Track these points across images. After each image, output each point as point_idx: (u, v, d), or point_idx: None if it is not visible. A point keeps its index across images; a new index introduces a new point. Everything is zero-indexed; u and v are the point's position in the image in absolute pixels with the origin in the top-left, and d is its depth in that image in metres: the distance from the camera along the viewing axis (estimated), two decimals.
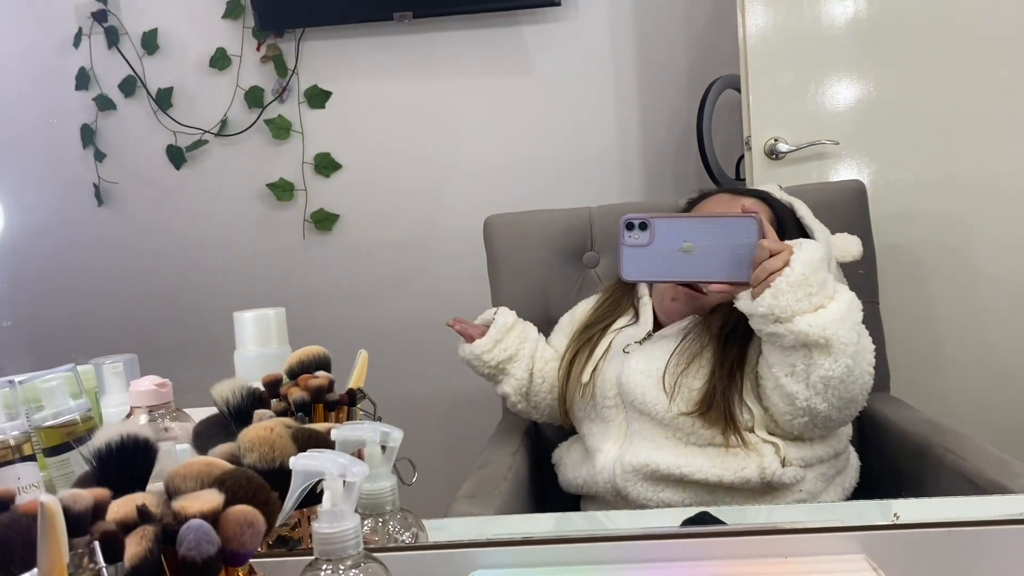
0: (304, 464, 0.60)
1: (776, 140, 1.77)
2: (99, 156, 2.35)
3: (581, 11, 2.17)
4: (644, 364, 1.22)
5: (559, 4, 2.12)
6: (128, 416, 0.84)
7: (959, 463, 1.13)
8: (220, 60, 2.28)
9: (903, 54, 1.74)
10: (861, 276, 1.50)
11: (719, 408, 1.15)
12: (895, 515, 0.56)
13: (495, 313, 1.39)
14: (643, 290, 1.35)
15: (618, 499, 1.21)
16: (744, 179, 1.91)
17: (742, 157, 2.00)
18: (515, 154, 2.23)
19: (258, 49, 2.27)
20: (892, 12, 1.73)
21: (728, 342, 1.17)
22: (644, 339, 1.28)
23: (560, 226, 1.58)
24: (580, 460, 1.30)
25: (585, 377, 1.29)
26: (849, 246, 1.34)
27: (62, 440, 0.68)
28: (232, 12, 2.26)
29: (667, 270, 1.10)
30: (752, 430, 1.16)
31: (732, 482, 1.14)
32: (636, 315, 1.34)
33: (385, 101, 2.27)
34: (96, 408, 0.76)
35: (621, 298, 1.37)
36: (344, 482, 0.59)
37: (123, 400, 0.90)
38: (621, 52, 2.18)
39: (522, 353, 1.37)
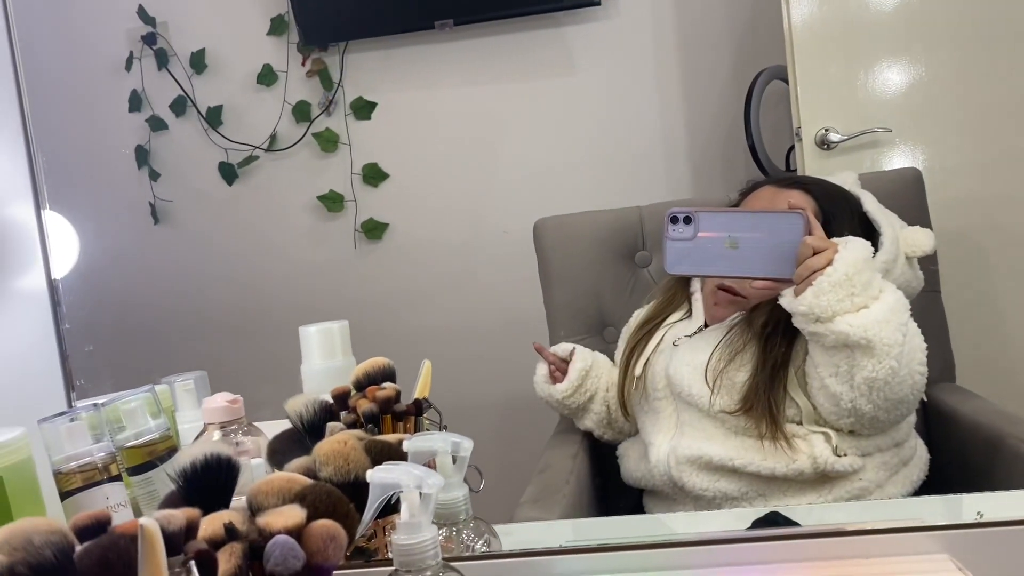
0: (381, 477, 0.61)
1: (827, 130, 1.74)
2: (154, 176, 2.41)
3: (622, 9, 2.16)
4: (690, 356, 1.23)
5: (599, 3, 2.12)
6: (202, 432, 0.87)
7: None
8: (267, 76, 2.32)
9: (953, 36, 1.70)
10: (922, 266, 1.47)
11: (762, 406, 1.14)
12: (979, 513, 0.55)
13: (572, 352, 1.40)
14: (695, 286, 1.35)
15: (676, 490, 1.22)
16: (795, 170, 1.89)
17: (791, 149, 1.98)
18: (561, 155, 2.23)
19: (303, 64, 2.30)
20: None
21: (771, 339, 1.17)
22: (694, 333, 1.28)
23: (610, 226, 1.58)
24: (640, 455, 1.31)
25: (638, 370, 1.31)
26: (920, 241, 1.30)
27: (144, 459, 0.70)
28: (276, 29, 2.30)
29: (710, 264, 1.09)
30: (800, 423, 1.15)
31: (785, 474, 1.14)
32: (690, 310, 1.34)
33: (429, 109, 2.28)
34: (174, 426, 0.79)
35: (676, 294, 1.38)
36: (420, 494, 0.60)
37: (196, 416, 0.93)
38: (664, 48, 2.17)
39: (599, 389, 1.39)
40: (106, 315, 2.30)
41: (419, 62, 2.27)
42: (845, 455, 1.13)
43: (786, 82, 1.85)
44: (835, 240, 1.06)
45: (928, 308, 1.48)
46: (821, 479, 1.14)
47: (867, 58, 1.74)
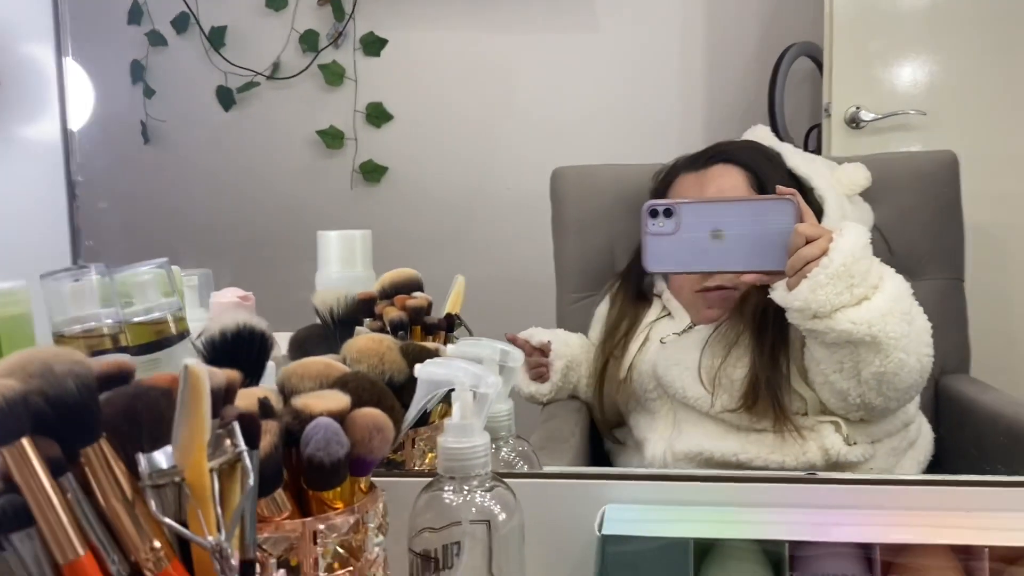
0: (431, 372, 0.54)
1: (858, 108, 1.69)
2: (148, 93, 2.30)
3: None
4: (679, 355, 1.15)
5: None
6: None
7: None
8: (276, 1, 2.22)
9: (994, 23, 1.66)
10: (949, 254, 1.43)
11: (766, 399, 1.07)
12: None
13: (548, 345, 1.32)
14: (660, 286, 1.28)
15: None
16: (815, 151, 1.84)
17: (812, 128, 1.93)
18: (575, 111, 2.16)
19: None
20: None
21: (763, 327, 1.09)
22: (683, 332, 1.21)
23: (632, 182, 1.51)
24: (632, 451, 1.25)
25: (622, 374, 1.22)
26: (855, 177, 1.24)
27: (151, 338, 0.63)
28: None
29: (695, 260, 0.99)
30: (807, 414, 1.09)
31: (795, 467, 1.07)
32: (665, 308, 1.26)
33: (443, 52, 2.20)
34: (183, 305, 0.71)
35: (640, 295, 1.29)
36: (475, 394, 0.53)
37: (198, 316, 0.85)
38: (692, 11, 2.10)
39: (581, 378, 1.32)
40: (121, 177, 2.20)
41: (437, 1, 2.18)
42: (856, 443, 1.08)
43: (814, 60, 1.80)
44: (830, 228, 0.99)
45: (950, 296, 1.44)
46: (831, 470, 1.08)
47: (905, 39, 1.69)
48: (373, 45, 2.21)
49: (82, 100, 1.00)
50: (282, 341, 0.82)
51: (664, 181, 1.28)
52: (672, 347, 1.17)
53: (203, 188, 2.30)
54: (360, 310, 0.71)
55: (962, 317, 1.46)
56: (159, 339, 0.62)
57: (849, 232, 0.96)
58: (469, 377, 0.53)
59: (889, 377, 0.98)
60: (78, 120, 0.90)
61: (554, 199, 1.55)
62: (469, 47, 2.18)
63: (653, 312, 1.27)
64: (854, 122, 1.69)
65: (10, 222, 0.77)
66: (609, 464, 1.30)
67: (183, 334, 0.64)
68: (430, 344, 0.66)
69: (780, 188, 1.04)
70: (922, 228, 1.37)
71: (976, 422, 1.29)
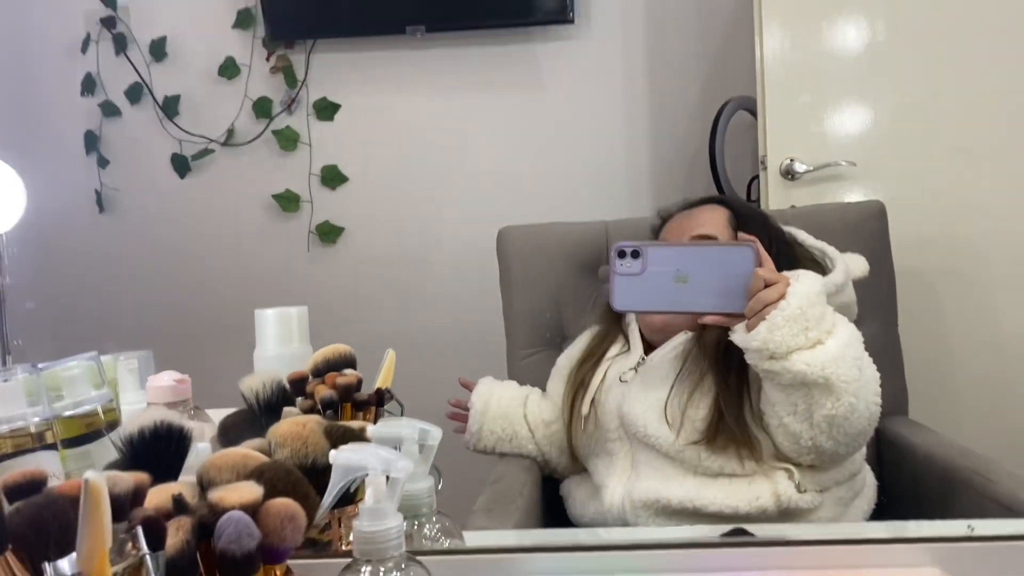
0: (346, 458, 0.57)
1: (792, 160, 1.76)
2: (102, 162, 2.32)
3: (593, 29, 2.17)
4: (644, 394, 1.18)
5: (572, 22, 2.12)
6: None
7: (990, 487, 1.10)
8: (229, 69, 2.26)
9: (920, 74, 1.74)
10: (881, 299, 1.48)
11: (728, 434, 1.11)
12: (969, 527, 0.53)
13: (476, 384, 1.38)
14: (630, 317, 1.32)
15: None
16: (757, 200, 1.90)
17: (754, 178, 1.99)
18: (523, 170, 2.21)
19: (268, 59, 2.25)
20: (908, 32, 1.73)
21: (727, 365, 1.13)
22: (638, 365, 1.24)
23: (575, 239, 1.56)
24: (589, 496, 1.26)
25: (585, 409, 1.25)
26: (858, 263, 1.29)
27: (82, 431, 0.65)
28: (243, 22, 2.25)
29: (660, 300, 1.05)
30: (762, 459, 1.13)
31: (748, 512, 1.10)
32: (627, 343, 1.30)
33: (395, 115, 2.25)
34: (117, 400, 0.73)
35: (611, 327, 1.33)
36: (388, 478, 0.56)
37: (138, 398, 0.87)
38: (633, 71, 2.17)
39: (515, 432, 1.34)
40: (52, 277, 2.20)
41: (387, 66, 2.24)
42: (806, 491, 1.11)
43: (752, 113, 1.86)
44: (786, 273, 1.04)
45: (884, 341, 1.48)
46: (781, 517, 1.11)
47: (835, 93, 1.76)
48: (326, 110, 2.26)
49: (10, 201, 1.02)
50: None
51: (660, 224, 1.33)
52: (635, 385, 1.20)
53: (159, 256, 2.31)
54: (286, 394, 0.73)
55: (898, 360, 1.51)
56: (89, 432, 0.64)
57: (805, 278, 1.02)
58: (381, 462, 0.55)
59: (840, 421, 1.02)
60: (6, 222, 0.92)
61: (501, 258, 1.59)
62: (419, 109, 2.24)
63: (615, 348, 1.30)
64: (789, 174, 1.75)
65: None
66: (565, 513, 1.32)
67: (114, 424, 0.66)
68: (355, 424, 0.68)
69: (741, 235, 1.11)
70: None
71: (913, 464, 1.33)
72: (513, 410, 1.35)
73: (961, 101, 1.72)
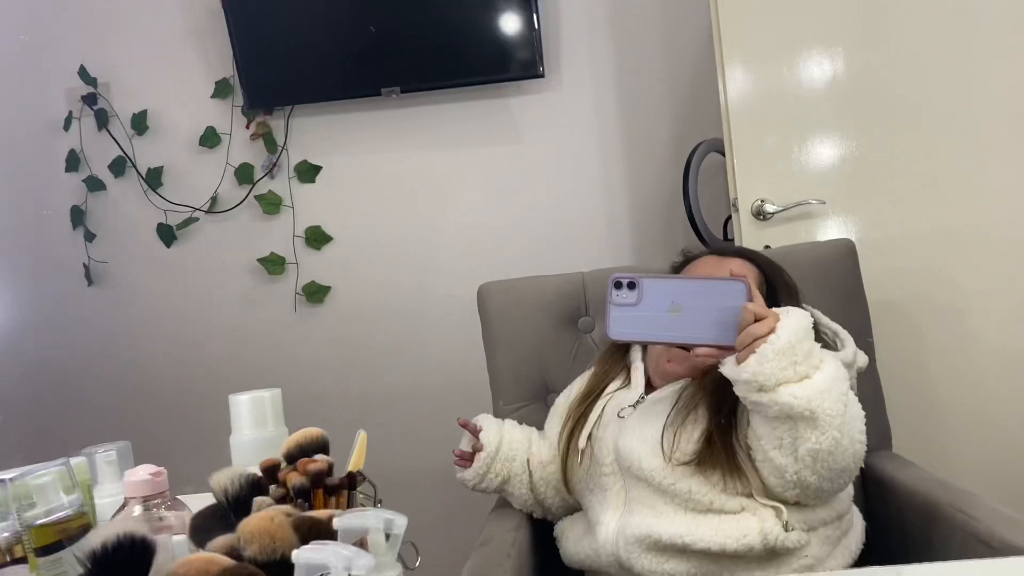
0: (308, 557, 0.58)
1: (763, 201, 1.79)
2: (89, 236, 2.35)
3: (564, 82, 2.21)
4: (640, 429, 1.20)
5: (543, 76, 2.16)
6: (123, 507, 0.82)
7: (970, 523, 1.11)
8: (210, 139, 2.30)
9: (884, 112, 1.77)
10: (857, 335, 1.50)
11: (717, 457, 1.13)
12: None
13: (478, 422, 1.39)
14: (635, 354, 1.35)
15: (622, 572, 1.18)
16: (732, 239, 1.92)
17: (728, 218, 2.02)
18: (504, 222, 2.24)
19: (247, 127, 2.30)
20: (869, 70, 1.77)
21: (722, 397, 1.15)
22: (637, 403, 1.26)
23: (554, 292, 1.58)
24: (582, 534, 1.28)
25: (582, 443, 1.27)
26: (861, 355, 1.31)
27: (54, 539, 0.66)
28: (221, 92, 2.29)
29: (654, 331, 1.08)
30: (751, 494, 1.14)
31: (736, 550, 1.11)
32: (628, 379, 1.33)
33: (374, 174, 2.29)
34: (90, 501, 0.74)
35: (614, 364, 1.37)
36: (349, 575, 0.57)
37: (117, 490, 0.88)
38: (605, 120, 2.21)
39: (515, 473, 1.37)
40: (24, 383, 2.22)
41: (364, 128, 2.28)
42: (793, 529, 1.12)
43: (723, 154, 1.90)
44: (775, 309, 1.07)
45: (863, 376, 1.49)
46: (769, 556, 1.13)
47: (800, 132, 1.79)
48: (307, 173, 2.30)
49: None
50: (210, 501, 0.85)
51: (684, 263, 1.36)
52: (632, 421, 1.23)
53: (149, 325, 2.34)
54: (257, 485, 0.75)
55: (878, 395, 1.52)
56: (62, 538, 0.66)
57: (795, 314, 1.05)
58: (342, 560, 0.57)
59: (824, 455, 1.04)
60: None
61: (482, 315, 1.61)
62: (398, 167, 2.27)
63: (615, 384, 1.33)
64: (760, 214, 1.78)
65: None
66: (558, 558, 1.32)
67: (86, 528, 0.67)
68: (323, 513, 0.70)
69: (733, 271, 1.15)
70: (829, 313, 1.44)
71: (897, 500, 1.34)
72: (520, 452, 1.37)
73: (925, 134, 1.75)
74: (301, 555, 0.59)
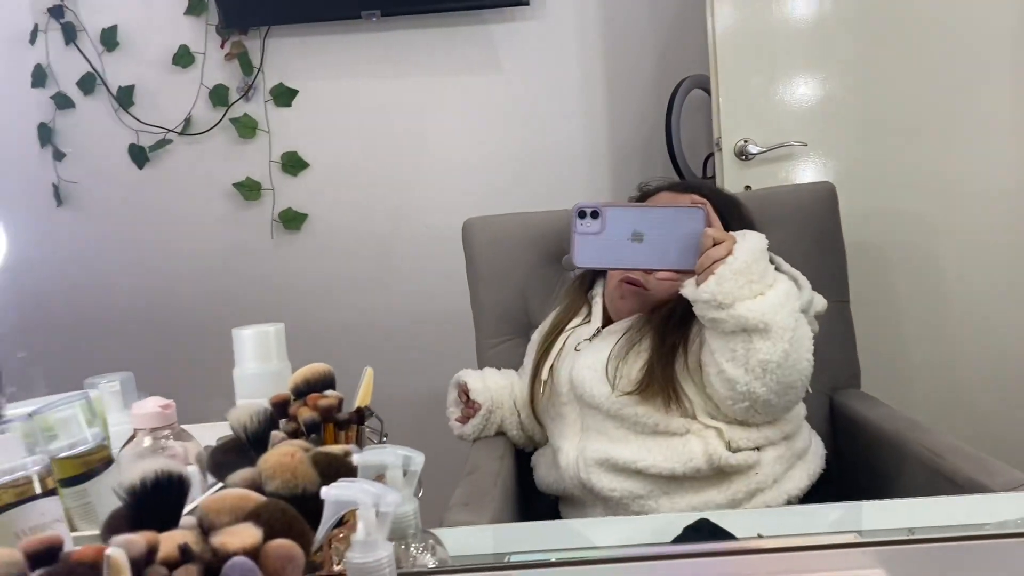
0: (337, 494, 0.60)
1: (746, 141, 1.80)
2: (58, 156, 2.29)
3: (549, 10, 2.18)
4: (591, 359, 1.27)
5: (527, 4, 2.13)
6: (132, 438, 0.84)
7: (936, 461, 1.17)
8: (183, 58, 2.24)
9: (869, 54, 1.78)
10: (832, 276, 1.54)
11: (658, 384, 1.19)
12: (910, 531, 0.58)
13: (466, 381, 1.44)
14: (597, 289, 1.39)
15: (586, 493, 1.25)
16: (713, 178, 1.94)
17: (710, 156, 2.04)
18: (484, 152, 2.23)
19: (222, 47, 2.23)
20: (859, 12, 1.77)
21: (666, 330, 1.23)
22: (594, 336, 1.31)
23: (539, 228, 1.60)
24: (551, 462, 1.34)
25: (544, 374, 1.34)
26: (818, 299, 1.34)
27: (78, 471, 0.67)
28: (195, 8, 2.22)
29: (617, 258, 1.14)
30: (694, 417, 1.20)
31: (684, 472, 1.18)
32: (590, 314, 1.37)
33: (353, 100, 2.25)
34: (107, 434, 0.76)
35: (577, 298, 1.42)
36: (377, 512, 0.60)
37: (122, 419, 0.90)
38: (589, 51, 2.19)
39: (506, 417, 1.44)
40: (34, 314, 2.19)
41: (343, 51, 2.23)
42: (739, 450, 1.18)
43: (707, 92, 1.90)
44: (732, 233, 1.12)
45: (836, 317, 1.55)
46: (719, 475, 1.19)
47: (787, 73, 1.80)
48: (283, 96, 2.25)
49: None
50: (208, 431, 0.87)
51: (641, 198, 1.40)
52: (585, 351, 1.30)
53: (122, 250, 2.30)
54: (272, 421, 0.76)
55: (850, 336, 1.58)
56: (86, 471, 0.67)
57: (751, 236, 1.13)
58: (371, 497, 0.59)
59: (773, 367, 1.10)
60: None
61: (466, 250, 1.62)
62: (377, 93, 2.24)
63: (577, 319, 1.38)
64: (743, 155, 1.80)
65: None
66: (532, 475, 1.39)
67: (108, 461, 0.69)
68: (338, 448, 0.72)
69: (693, 198, 1.21)
70: (805, 255, 1.47)
71: (866, 437, 1.41)
72: (507, 398, 1.44)
73: (908, 78, 1.77)
74: (331, 492, 0.61)
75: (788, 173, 1.81)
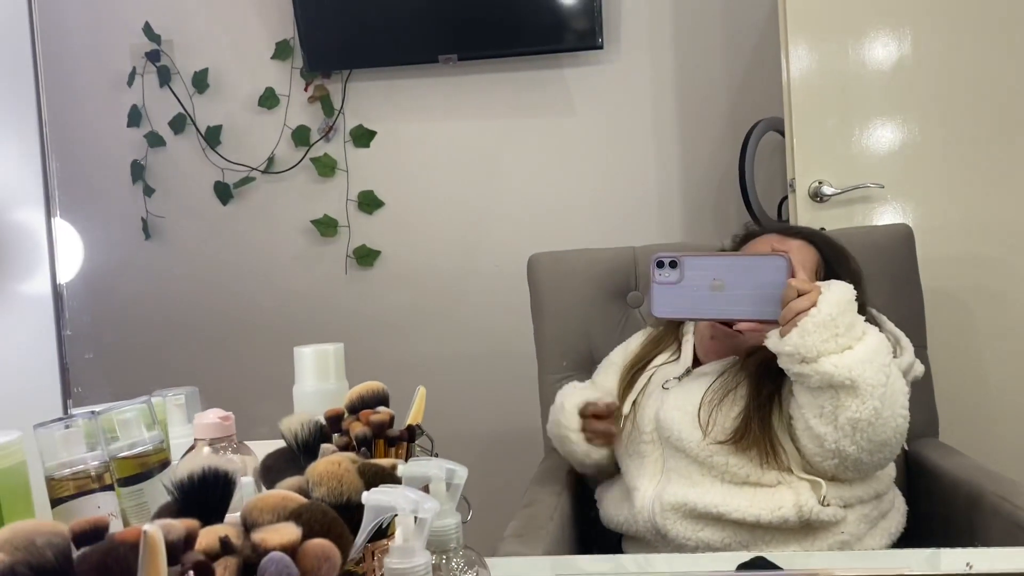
0: (377, 499, 0.61)
1: (820, 183, 1.77)
2: (148, 191, 2.41)
3: (623, 54, 2.20)
4: (681, 400, 1.22)
5: (601, 47, 2.15)
6: (191, 448, 0.86)
7: (1016, 513, 1.11)
8: (268, 99, 2.33)
9: (947, 96, 1.74)
10: (909, 321, 1.49)
11: (754, 436, 1.15)
12: (968, 564, 0.55)
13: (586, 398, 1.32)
14: (687, 328, 1.36)
15: (657, 538, 1.21)
16: (786, 220, 1.91)
17: (784, 199, 2.01)
18: (556, 194, 2.25)
19: (306, 89, 2.32)
20: (936, 54, 1.74)
21: (763, 378, 1.18)
22: (683, 376, 1.28)
23: (604, 265, 1.59)
24: (621, 498, 1.30)
25: (626, 409, 1.30)
26: (918, 365, 1.30)
27: (136, 471, 0.70)
28: (281, 53, 2.32)
29: (697, 308, 1.12)
30: (789, 469, 1.15)
31: (770, 521, 1.13)
32: (679, 352, 1.34)
33: (428, 141, 2.30)
34: (167, 439, 0.78)
35: (665, 335, 1.38)
36: (416, 518, 0.60)
37: (185, 432, 0.92)
38: (662, 94, 2.20)
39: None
40: (106, 324, 2.29)
41: (420, 94, 2.29)
42: (830, 504, 1.13)
43: (782, 134, 1.88)
44: (818, 283, 1.08)
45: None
46: (804, 529, 1.14)
47: (862, 115, 1.77)
48: (362, 137, 2.32)
49: (70, 257, 1.09)
50: (271, 447, 0.89)
51: (745, 238, 1.35)
52: (674, 392, 1.25)
53: (203, 282, 2.39)
54: (322, 432, 0.77)
55: (927, 382, 1.52)
56: (142, 471, 0.69)
57: (836, 287, 1.08)
58: (410, 503, 0.59)
59: (863, 425, 1.05)
60: (66, 275, 0.99)
61: (531, 285, 1.63)
62: (452, 135, 2.29)
63: (664, 356, 1.35)
64: (817, 196, 1.77)
65: (6, 375, 0.85)
66: (596, 517, 1.34)
67: (165, 463, 0.71)
68: (386, 462, 0.72)
69: (775, 247, 1.17)
70: (883, 299, 1.44)
71: (941, 488, 1.34)
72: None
73: (988, 120, 1.72)
74: (371, 497, 0.61)
75: (864, 216, 1.77)
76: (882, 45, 1.76)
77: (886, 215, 1.76)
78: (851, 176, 1.76)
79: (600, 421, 1.29)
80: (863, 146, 1.77)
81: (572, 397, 1.33)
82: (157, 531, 0.43)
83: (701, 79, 2.18)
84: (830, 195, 1.76)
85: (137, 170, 2.41)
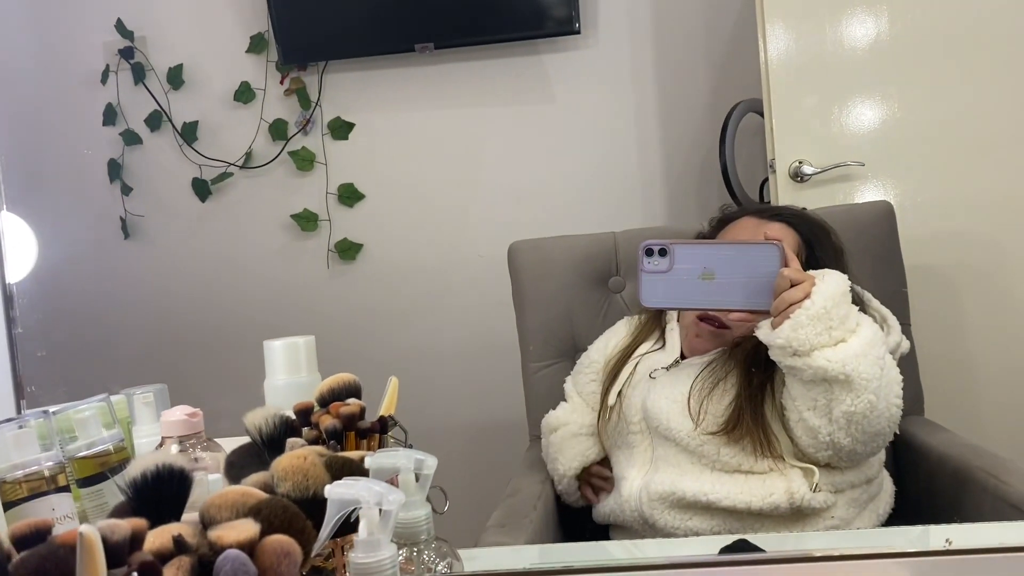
0: (339, 492, 0.59)
1: (800, 163, 1.76)
2: (125, 190, 2.38)
3: (601, 38, 2.18)
4: (669, 389, 1.21)
5: (579, 32, 2.13)
6: (159, 446, 0.84)
7: (1002, 488, 1.10)
8: (244, 94, 2.31)
9: (926, 72, 1.73)
10: (892, 299, 1.48)
11: (746, 426, 1.13)
12: (947, 541, 0.54)
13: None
14: (671, 316, 1.34)
15: (645, 528, 1.19)
16: (768, 202, 1.90)
17: (766, 180, 1.99)
18: (537, 181, 2.23)
19: (282, 82, 2.30)
20: (914, 31, 1.73)
21: (753, 366, 1.16)
22: (671, 366, 1.26)
23: (584, 251, 1.58)
24: (609, 490, 1.29)
25: (611, 399, 1.28)
26: (905, 344, 1.28)
27: (95, 471, 0.68)
28: (256, 47, 2.29)
29: (686, 297, 1.07)
30: (781, 457, 1.14)
31: (760, 508, 1.12)
32: (662, 340, 1.33)
33: (407, 131, 2.28)
34: (129, 438, 0.76)
35: (648, 324, 1.36)
36: (380, 511, 0.58)
37: (154, 430, 0.90)
38: (641, 78, 2.18)
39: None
40: (62, 323, 2.27)
41: (398, 84, 2.27)
42: (820, 491, 1.12)
43: (761, 115, 1.87)
44: (812, 272, 1.06)
45: None
46: (794, 515, 1.13)
47: (841, 93, 1.76)
48: (340, 129, 2.30)
49: (20, 253, 1.06)
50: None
51: (722, 222, 1.33)
52: (662, 381, 1.23)
53: (184, 279, 2.36)
54: (289, 426, 0.76)
55: (912, 360, 1.51)
56: (102, 471, 0.68)
57: (831, 278, 1.05)
58: (373, 495, 0.58)
59: (858, 418, 1.04)
60: (17, 274, 0.96)
61: (512, 272, 1.61)
62: (431, 124, 2.27)
63: (648, 344, 1.33)
64: (798, 176, 1.76)
65: None
66: (581, 514, 1.33)
67: (125, 462, 0.69)
68: (356, 454, 0.71)
69: (767, 234, 1.13)
70: (865, 277, 1.42)
71: (927, 464, 1.34)
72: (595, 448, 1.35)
73: (968, 96, 1.71)
74: (333, 490, 0.60)
75: (846, 195, 1.75)
76: (859, 23, 1.75)
77: (867, 193, 1.75)
78: (831, 155, 1.75)
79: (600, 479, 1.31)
80: (842, 124, 1.76)
81: (568, 451, 1.33)
82: (93, 532, 0.41)
83: (680, 62, 2.17)
84: (810, 175, 1.75)
85: (114, 169, 2.38)
